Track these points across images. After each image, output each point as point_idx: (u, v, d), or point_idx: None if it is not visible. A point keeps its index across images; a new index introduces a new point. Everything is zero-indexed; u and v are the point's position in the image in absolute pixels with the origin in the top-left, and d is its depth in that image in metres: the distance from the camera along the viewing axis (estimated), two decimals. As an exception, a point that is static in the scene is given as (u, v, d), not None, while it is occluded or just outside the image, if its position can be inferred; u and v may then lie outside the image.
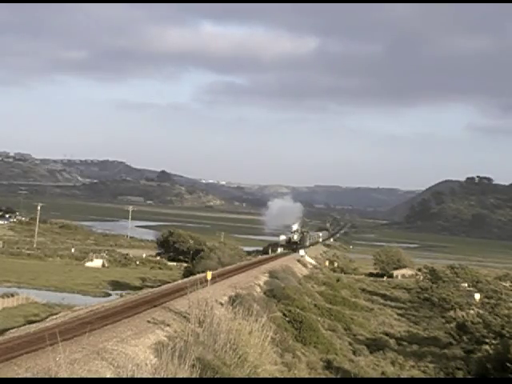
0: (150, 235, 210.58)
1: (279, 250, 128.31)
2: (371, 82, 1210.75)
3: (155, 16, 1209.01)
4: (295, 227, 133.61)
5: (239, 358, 27.78)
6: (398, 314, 71.86)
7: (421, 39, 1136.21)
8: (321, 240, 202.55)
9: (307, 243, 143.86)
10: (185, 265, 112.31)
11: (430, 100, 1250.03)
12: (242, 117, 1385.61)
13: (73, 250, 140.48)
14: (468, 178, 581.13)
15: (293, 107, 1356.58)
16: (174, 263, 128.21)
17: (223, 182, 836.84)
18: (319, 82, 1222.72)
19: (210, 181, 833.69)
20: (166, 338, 28.72)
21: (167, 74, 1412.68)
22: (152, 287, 61.83)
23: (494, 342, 49.67)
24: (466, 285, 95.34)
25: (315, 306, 59.86)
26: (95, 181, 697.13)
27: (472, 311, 66.75)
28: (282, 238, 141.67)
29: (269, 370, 29.83)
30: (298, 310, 48.27)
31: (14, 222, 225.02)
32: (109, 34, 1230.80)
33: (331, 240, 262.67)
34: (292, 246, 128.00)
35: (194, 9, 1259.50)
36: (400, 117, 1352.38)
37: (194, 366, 23.83)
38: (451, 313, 71.06)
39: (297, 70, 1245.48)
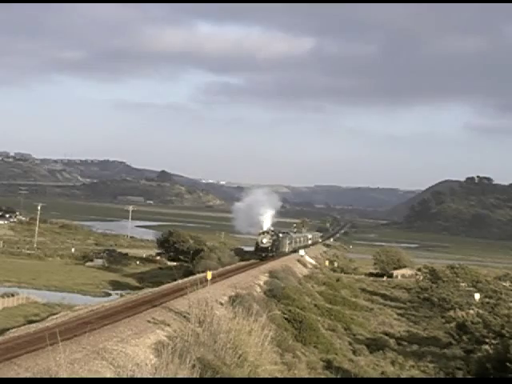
0: (150, 235, 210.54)
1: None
2: (368, 82, 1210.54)
3: (152, 16, 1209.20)
4: (266, 227, 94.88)
5: (239, 357, 27.81)
6: (398, 314, 71.86)
7: (416, 39, 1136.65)
8: (310, 243, 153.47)
9: (286, 249, 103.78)
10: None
11: (428, 100, 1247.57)
12: (240, 117, 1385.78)
13: (73, 250, 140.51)
14: (468, 178, 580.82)
15: (291, 107, 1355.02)
16: (174, 263, 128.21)
17: (223, 182, 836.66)
18: (316, 82, 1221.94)
19: (210, 181, 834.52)
20: (166, 338, 28.74)
21: (165, 74, 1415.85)
22: (152, 287, 61.83)
23: (493, 341, 49.70)
24: (465, 284, 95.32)
25: (315, 305, 59.89)
26: (95, 181, 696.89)
27: (472, 311, 66.74)
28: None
29: (269, 370, 29.85)
30: (298, 310, 48.30)
31: (14, 221, 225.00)
32: (106, 34, 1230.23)
33: (331, 240, 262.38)
34: (260, 255, 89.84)
35: (191, 9, 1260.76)
36: (398, 117, 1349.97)
37: (194, 365, 23.86)
38: (451, 313, 71.05)
39: (293, 70, 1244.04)
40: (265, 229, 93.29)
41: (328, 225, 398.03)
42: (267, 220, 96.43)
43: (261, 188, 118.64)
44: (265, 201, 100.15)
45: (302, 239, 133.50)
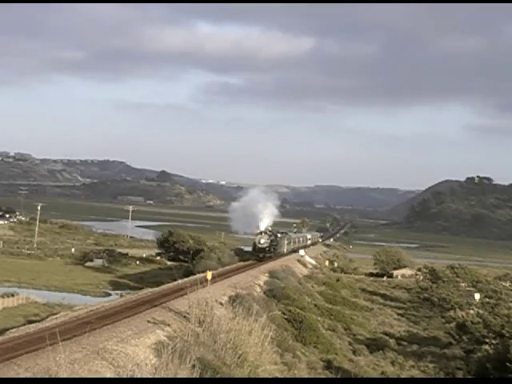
0: (150, 235, 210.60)
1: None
2: (368, 83, 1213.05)
3: (151, 16, 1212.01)
4: (263, 227, 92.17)
5: (239, 357, 27.80)
6: (398, 314, 71.81)
7: (416, 39, 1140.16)
8: (310, 243, 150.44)
9: (284, 249, 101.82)
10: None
11: (428, 100, 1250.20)
12: (240, 117, 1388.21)
13: (73, 250, 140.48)
14: (468, 178, 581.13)
15: (291, 107, 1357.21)
16: (174, 263, 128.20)
17: (223, 182, 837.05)
18: (316, 82, 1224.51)
19: (210, 181, 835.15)
20: (166, 338, 28.72)
21: (165, 74, 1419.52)
22: (152, 287, 61.82)
23: (493, 341, 49.67)
24: (465, 284, 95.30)
25: (315, 305, 59.85)
26: (95, 181, 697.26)
27: (472, 311, 66.71)
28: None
29: (269, 370, 29.83)
30: (298, 310, 48.27)
31: (14, 221, 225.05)
32: (106, 34, 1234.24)
33: (331, 240, 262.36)
34: (258, 255, 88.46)
35: (190, 9, 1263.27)
36: (398, 117, 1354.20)
37: (194, 366, 23.85)
38: (451, 313, 71.02)
39: (293, 70, 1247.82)
40: (262, 229, 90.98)
41: (328, 225, 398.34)
42: (264, 220, 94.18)
43: (257, 187, 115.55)
44: (261, 200, 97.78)
45: (301, 239, 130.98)
